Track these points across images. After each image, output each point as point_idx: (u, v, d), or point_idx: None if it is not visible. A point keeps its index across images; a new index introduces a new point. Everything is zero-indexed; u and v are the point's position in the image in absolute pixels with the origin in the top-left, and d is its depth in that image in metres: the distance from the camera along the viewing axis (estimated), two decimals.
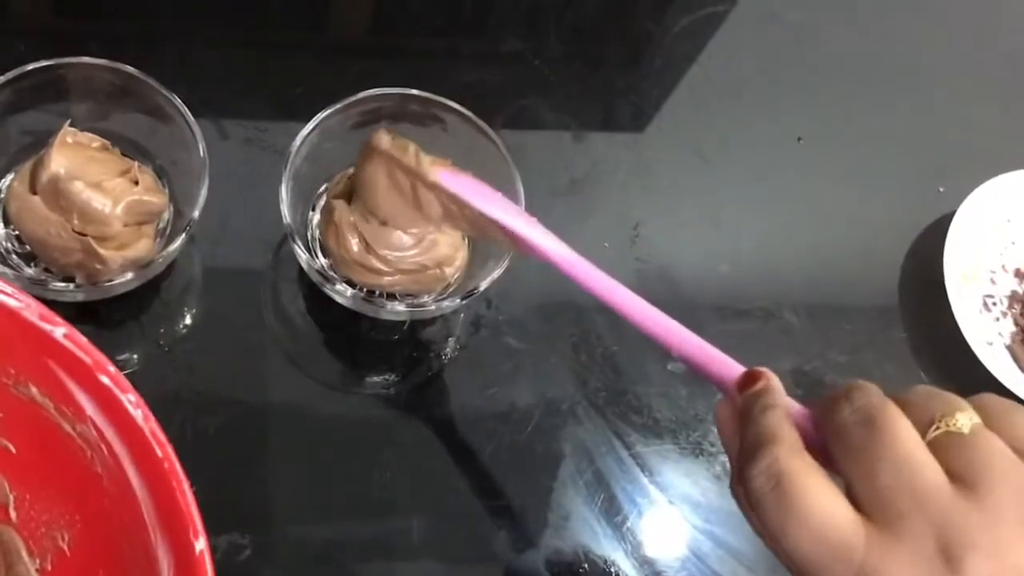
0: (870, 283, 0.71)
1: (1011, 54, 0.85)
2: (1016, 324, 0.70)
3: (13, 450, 0.44)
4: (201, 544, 0.35)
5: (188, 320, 0.58)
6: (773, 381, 0.38)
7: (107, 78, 0.56)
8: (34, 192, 0.52)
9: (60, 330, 0.37)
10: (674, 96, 0.74)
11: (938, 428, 0.34)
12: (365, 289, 0.57)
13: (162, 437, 0.36)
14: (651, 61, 0.76)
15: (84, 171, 0.52)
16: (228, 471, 0.54)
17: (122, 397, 0.37)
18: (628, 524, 0.58)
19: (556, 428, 0.60)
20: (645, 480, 0.59)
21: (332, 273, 0.57)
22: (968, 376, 0.65)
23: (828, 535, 0.32)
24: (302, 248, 0.54)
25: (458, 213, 0.50)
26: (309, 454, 0.57)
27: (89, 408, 0.38)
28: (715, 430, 0.61)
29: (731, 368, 0.40)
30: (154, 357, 0.56)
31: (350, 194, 0.58)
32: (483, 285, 0.55)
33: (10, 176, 0.56)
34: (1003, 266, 0.72)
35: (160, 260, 0.53)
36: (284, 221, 0.54)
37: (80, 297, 0.53)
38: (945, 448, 0.33)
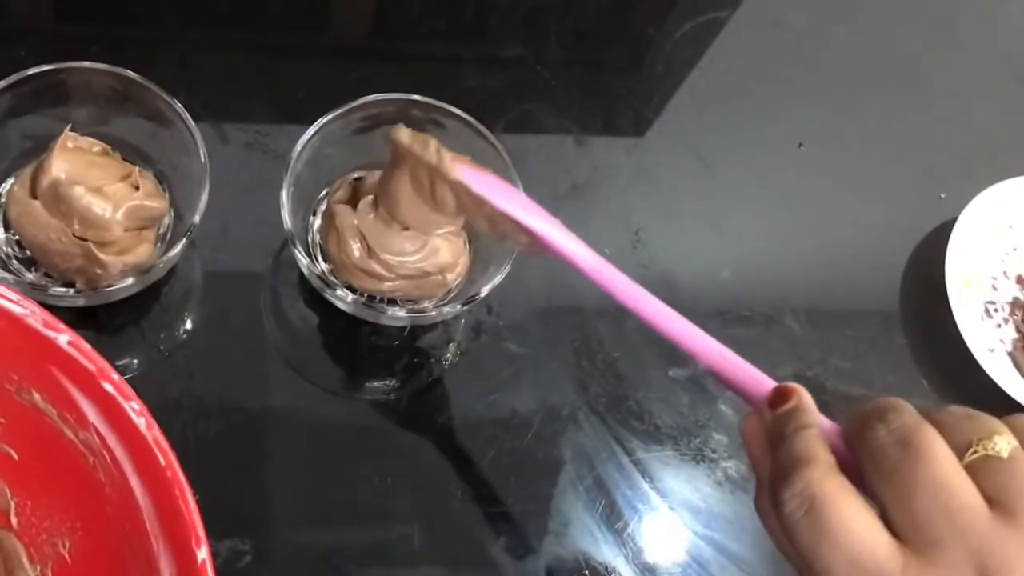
0: (872, 289, 0.71)
1: (1013, 60, 0.85)
2: (1018, 330, 0.70)
3: (15, 456, 0.44)
4: (203, 553, 0.35)
5: (188, 325, 0.58)
6: (805, 398, 0.37)
7: (108, 83, 0.55)
8: (34, 197, 0.52)
9: (64, 337, 0.37)
10: (675, 101, 0.74)
11: (975, 452, 0.33)
12: (366, 294, 0.57)
13: (165, 445, 0.36)
14: (652, 66, 0.76)
15: (85, 176, 0.52)
16: (229, 476, 0.54)
17: (125, 405, 0.37)
18: (629, 530, 0.58)
19: (557, 434, 0.59)
20: (646, 486, 0.59)
21: (333, 278, 0.57)
22: (969, 382, 0.65)
23: (863, 559, 0.32)
24: (303, 253, 0.54)
25: (475, 209, 0.49)
26: (310, 459, 0.57)
27: (92, 415, 0.38)
28: (715, 436, 0.62)
29: (760, 382, 0.40)
30: (154, 362, 0.56)
31: (352, 199, 0.58)
32: (484, 291, 0.55)
33: (10, 181, 0.56)
34: (1004, 272, 0.72)
35: (161, 265, 0.53)
36: (285, 226, 0.54)
37: (80, 302, 0.53)
38: (983, 472, 0.32)
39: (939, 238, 0.69)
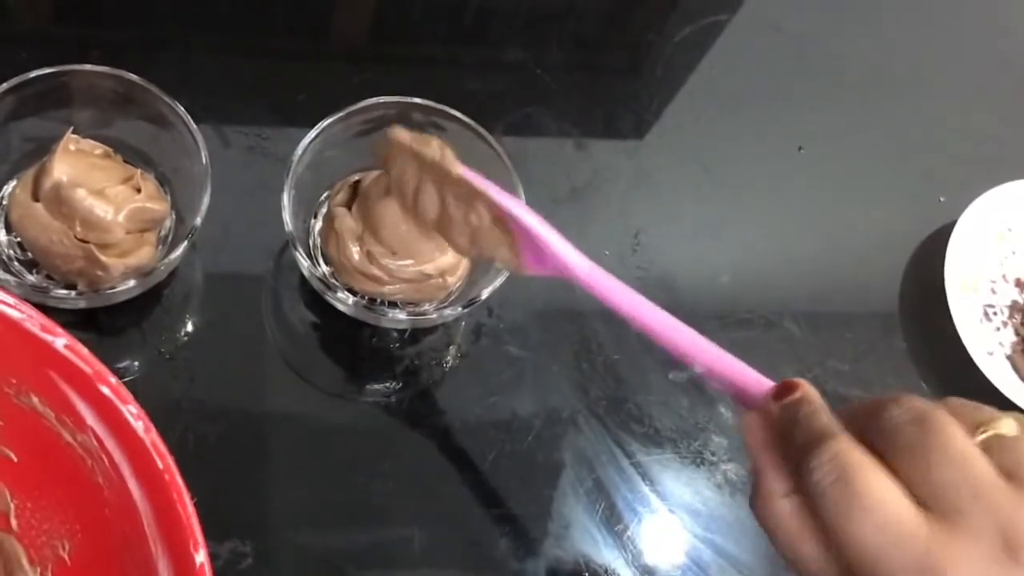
0: (871, 292, 0.71)
1: (1012, 64, 0.85)
2: (1017, 334, 0.70)
3: (14, 459, 0.44)
4: (201, 557, 0.35)
5: (189, 328, 0.58)
6: (812, 390, 0.38)
7: (109, 85, 0.56)
8: (36, 199, 0.52)
9: (61, 341, 0.37)
10: (675, 105, 0.74)
11: (985, 431, 0.34)
12: (366, 297, 0.57)
13: (163, 449, 0.37)
14: (652, 70, 0.76)
15: (87, 178, 0.52)
16: (230, 479, 0.54)
17: (123, 408, 0.37)
18: (629, 533, 0.58)
19: (557, 437, 0.60)
20: (646, 489, 0.59)
21: (334, 281, 0.57)
22: (968, 385, 0.65)
23: (891, 525, 0.33)
24: (304, 256, 0.55)
25: (461, 220, 0.49)
26: (310, 461, 0.57)
27: (90, 418, 0.38)
28: (715, 439, 0.62)
29: (759, 382, 0.41)
30: (155, 364, 0.56)
31: (351, 201, 0.58)
32: (484, 294, 0.55)
33: (12, 183, 0.56)
34: (1004, 276, 0.72)
35: (162, 268, 0.53)
36: (286, 229, 0.54)
37: (82, 304, 0.53)
38: (995, 450, 0.34)
39: (938, 241, 0.70)
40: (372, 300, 0.58)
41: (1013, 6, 0.88)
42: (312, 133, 0.56)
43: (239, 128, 0.64)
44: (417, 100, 0.59)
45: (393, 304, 0.58)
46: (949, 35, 0.85)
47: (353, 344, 0.60)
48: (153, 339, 0.57)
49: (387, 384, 0.59)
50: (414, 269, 0.56)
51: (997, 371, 0.65)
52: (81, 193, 0.51)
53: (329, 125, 0.57)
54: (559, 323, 0.63)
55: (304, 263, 0.55)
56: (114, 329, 0.57)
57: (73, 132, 0.54)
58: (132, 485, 0.38)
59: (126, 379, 0.50)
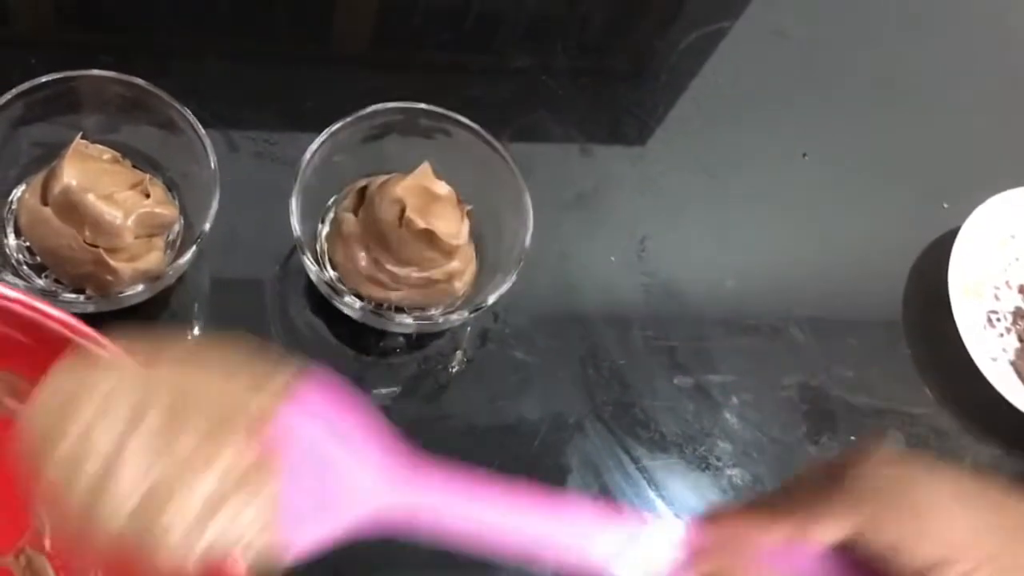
0: (875, 298, 0.71)
1: (1015, 71, 0.85)
2: (1020, 340, 0.70)
3: None
4: None
5: (196, 331, 0.59)
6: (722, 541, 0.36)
7: (118, 91, 0.56)
8: (46, 204, 0.53)
9: None
10: (681, 111, 0.74)
11: None
12: (373, 302, 0.57)
13: None
14: (657, 77, 0.76)
15: (96, 183, 0.53)
16: None
17: None
18: None
19: (563, 441, 0.60)
20: (651, 494, 0.60)
21: (341, 286, 0.57)
22: (972, 391, 0.65)
23: None
24: (312, 261, 0.55)
25: None
26: None
27: None
28: (720, 444, 0.62)
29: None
30: None
31: (358, 208, 0.58)
32: (491, 299, 0.55)
33: (21, 188, 0.56)
34: (1007, 282, 0.73)
35: (171, 273, 0.53)
36: (295, 234, 0.54)
37: (90, 308, 0.53)
38: None
39: (942, 248, 0.70)
40: (379, 305, 0.58)
41: (1017, 14, 0.88)
42: (320, 138, 0.56)
43: (247, 133, 0.64)
44: (423, 106, 0.59)
45: (400, 309, 0.58)
46: (953, 42, 0.86)
47: (359, 348, 0.60)
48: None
49: (393, 388, 0.60)
50: (420, 275, 0.57)
51: (1000, 377, 0.66)
52: (91, 198, 0.51)
53: (337, 131, 0.57)
54: (565, 328, 0.63)
55: (312, 268, 0.55)
56: (121, 333, 0.57)
57: (82, 137, 0.55)
58: None
59: None
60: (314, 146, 0.56)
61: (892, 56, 0.83)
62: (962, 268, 0.68)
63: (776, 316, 0.68)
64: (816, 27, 0.82)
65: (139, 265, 0.53)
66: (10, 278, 0.51)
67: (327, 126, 0.57)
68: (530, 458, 0.59)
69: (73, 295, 0.53)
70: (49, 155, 0.55)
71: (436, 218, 0.56)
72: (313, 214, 0.59)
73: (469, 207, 0.58)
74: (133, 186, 0.54)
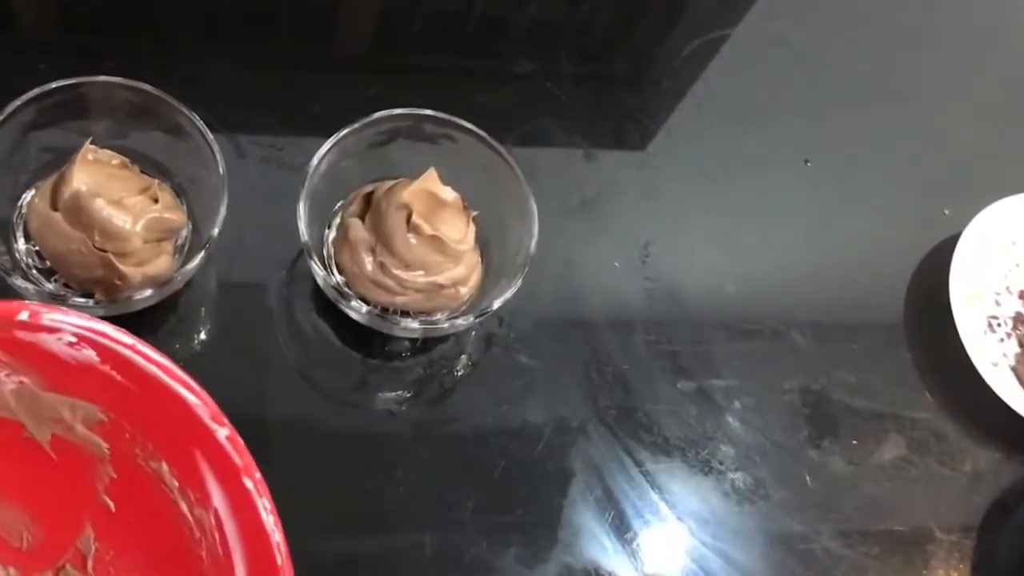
0: (876, 303, 0.72)
1: (1017, 78, 0.86)
2: (1020, 345, 0.71)
3: (112, 508, 0.45)
4: None
5: (203, 335, 0.59)
6: None
7: (127, 96, 0.56)
8: (55, 209, 0.53)
9: (224, 431, 0.39)
10: (684, 117, 0.75)
11: None
12: (379, 306, 0.58)
13: (285, 549, 0.38)
14: (660, 82, 0.77)
15: (105, 188, 0.53)
16: None
17: (258, 501, 0.38)
18: (638, 541, 0.58)
19: (567, 445, 0.60)
20: (655, 497, 0.60)
21: (347, 290, 0.58)
22: (972, 396, 0.66)
23: None
24: (319, 265, 0.55)
25: None
26: (322, 468, 0.57)
27: (217, 499, 0.39)
28: (723, 448, 0.62)
29: None
30: None
31: (365, 213, 0.59)
32: (496, 304, 0.56)
33: (31, 193, 0.57)
34: (1007, 288, 0.73)
35: (179, 278, 0.54)
36: (302, 239, 0.55)
37: (99, 313, 0.53)
38: None
39: (943, 253, 0.70)
40: (384, 309, 0.58)
41: (1018, 20, 0.89)
42: (327, 144, 0.57)
43: (253, 138, 0.64)
44: (429, 112, 0.59)
45: (405, 313, 0.59)
46: (954, 49, 0.86)
47: (365, 352, 0.61)
48: (167, 346, 0.57)
49: (398, 392, 0.60)
50: (426, 280, 0.57)
51: (1001, 382, 0.66)
52: (100, 203, 0.52)
53: (344, 137, 0.57)
54: (569, 333, 0.64)
55: (319, 272, 0.55)
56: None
57: (91, 143, 0.55)
58: (240, 571, 0.39)
59: None
60: (321, 152, 0.57)
61: (892, 63, 0.83)
62: (963, 273, 0.68)
63: (778, 321, 0.68)
64: (816, 34, 0.83)
65: (148, 270, 0.54)
66: (20, 282, 0.51)
67: (333, 131, 0.57)
68: (534, 462, 0.59)
69: (82, 299, 0.53)
70: (58, 160, 0.55)
71: (443, 223, 0.57)
72: (320, 219, 0.60)
73: (475, 213, 0.59)
74: (142, 191, 0.54)
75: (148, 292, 0.53)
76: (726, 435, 0.63)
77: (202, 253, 0.53)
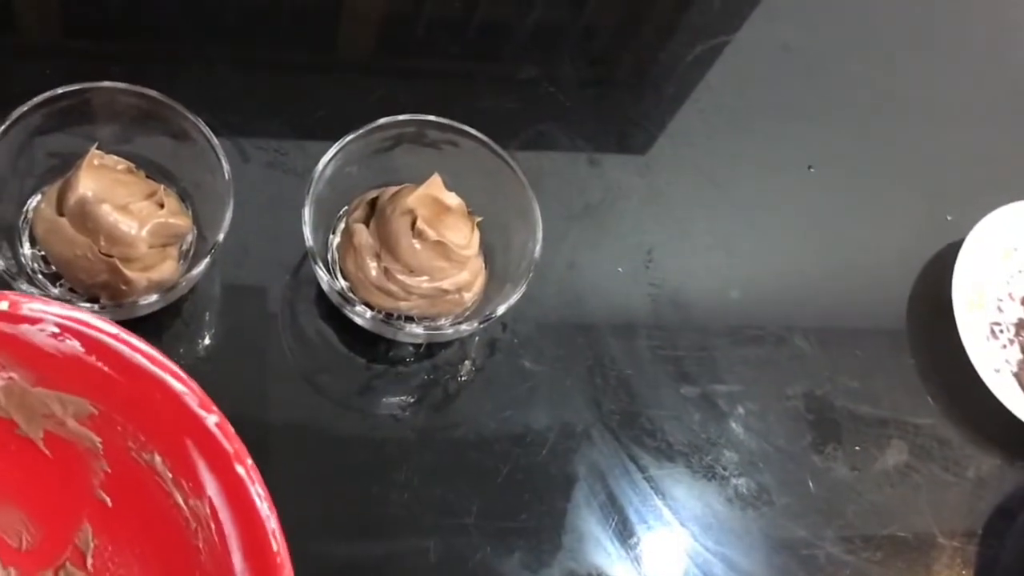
0: (879, 309, 0.72)
1: (1019, 83, 0.86)
2: (1023, 351, 0.71)
3: (109, 504, 0.45)
4: None
5: (207, 340, 0.59)
6: None
7: (132, 102, 0.56)
8: (61, 214, 0.53)
9: (213, 419, 0.39)
10: (687, 123, 0.75)
11: None
12: (383, 311, 0.58)
13: (280, 536, 0.38)
14: (664, 88, 0.77)
15: (111, 193, 0.53)
16: None
17: (251, 488, 0.38)
18: (641, 546, 0.59)
19: (570, 451, 0.60)
20: (658, 502, 0.60)
21: (351, 295, 0.58)
22: (974, 402, 0.66)
23: None
24: (323, 270, 0.55)
25: None
26: (326, 473, 0.57)
27: (211, 489, 0.39)
28: (726, 454, 0.63)
29: None
30: None
31: (369, 218, 0.59)
32: (500, 310, 0.56)
33: (37, 198, 0.57)
34: (1010, 294, 0.73)
35: (184, 283, 0.54)
36: (307, 244, 0.55)
37: (104, 317, 0.54)
38: None
39: (946, 259, 0.70)
40: (389, 314, 0.58)
41: (1020, 26, 0.89)
42: (332, 150, 0.57)
43: (258, 144, 0.64)
44: (433, 118, 0.59)
45: (410, 319, 0.59)
46: (957, 55, 0.86)
47: (369, 357, 0.61)
48: (171, 351, 0.58)
49: (402, 397, 0.60)
50: (430, 285, 0.57)
51: (1003, 388, 0.66)
52: (106, 208, 0.52)
53: (348, 142, 0.57)
54: (573, 338, 0.64)
55: (324, 277, 0.55)
56: None
57: (97, 148, 0.55)
58: (236, 559, 0.39)
59: None
60: (326, 157, 0.57)
61: (895, 68, 0.83)
62: (966, 280, 0.69)
63: (781, 326, 0.68)
64: (819, 39, 0.83)
65: (153, 275, 0.54)
66: (25, 287, 0.52)
67: (337, 136, 0.57)
68: (538, 466, 0.59)
69: (87, 304, 0.53)
70: (64, 165, 0.55)
71: (447, 229, 0.57)
72: (324, 224, 0.60)
73: (479, 218, 0.59)
74: (148, 196, 0.55)
75: (153, 297, 0.53)
76: (729, 441, 0.63)
77: (207, 258, 0.54)
